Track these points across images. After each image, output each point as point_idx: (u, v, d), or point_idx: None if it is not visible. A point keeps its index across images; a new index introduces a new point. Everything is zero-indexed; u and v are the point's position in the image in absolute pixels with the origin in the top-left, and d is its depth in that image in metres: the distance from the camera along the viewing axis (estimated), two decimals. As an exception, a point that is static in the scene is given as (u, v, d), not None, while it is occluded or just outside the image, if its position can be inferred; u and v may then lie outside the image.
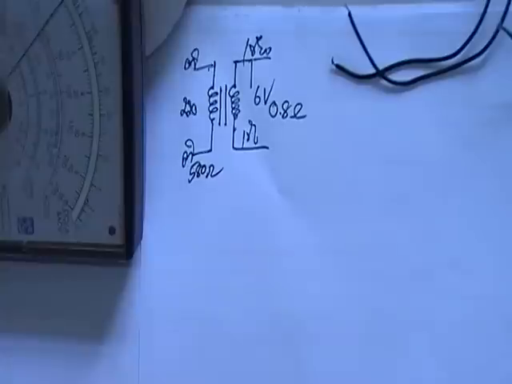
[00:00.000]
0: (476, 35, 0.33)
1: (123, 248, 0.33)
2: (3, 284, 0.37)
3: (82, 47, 0.31)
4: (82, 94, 0.32)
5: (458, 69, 0.34)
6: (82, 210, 0.33)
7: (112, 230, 0.33)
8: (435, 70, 0.34)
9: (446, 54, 0.34)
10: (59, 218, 0.33)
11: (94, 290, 0.37)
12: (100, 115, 0.32)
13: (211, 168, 0.36)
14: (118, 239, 0.33)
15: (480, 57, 0.34)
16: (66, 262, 0.36)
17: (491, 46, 0.34)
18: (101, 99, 0.32)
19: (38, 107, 0.32)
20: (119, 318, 0.37)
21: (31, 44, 0.32)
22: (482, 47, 0.34)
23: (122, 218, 0.33)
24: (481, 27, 0.33)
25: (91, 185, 0.33)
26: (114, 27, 0.31)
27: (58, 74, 0.32)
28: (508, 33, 0.33)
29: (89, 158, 0.32)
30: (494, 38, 0.33)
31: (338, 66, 0.35)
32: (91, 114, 0.32)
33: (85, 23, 0.31)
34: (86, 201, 0.33)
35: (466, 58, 0.34)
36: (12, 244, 0.34)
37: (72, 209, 0.33)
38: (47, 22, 0.31)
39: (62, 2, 0.31)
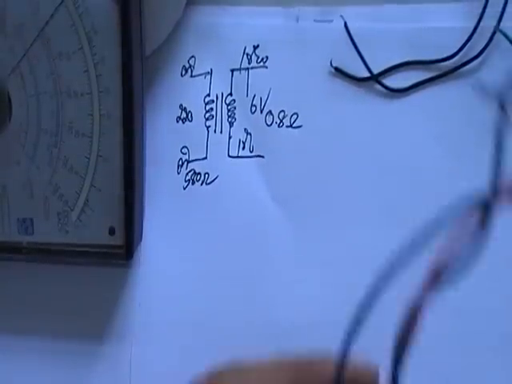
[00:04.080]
0: (473, 38, 0.34)
1: (123, 248, 0.33)
2: (3, 284, 0.37)
3: (81, 47, 0.31)
4: (81, 94, 0.32)
5: (456, 72, 0.34)
6: (82, 210, 0.33)
7: (112, 231, 0.33)
8: (432, 73, 0.34)
9: (443, 56, 0.34)
10: (59, 219, 0.33)
11: (94, 290, 0.36)
12: (100, 115, 0.32)
13: (206, 175, 0.36)
14: (118, 240, 0.33)
15: (477, 60, 0.34)
16: (66, 263, 0.36)
17: (488, 49, 0.34)
18: (101, 99, 0.32)
19: (38, 107, 0.32)
20: (119, 318, 0.36)
21: (31, 44, 0.31)
22: (479, 50, 0.34)
23: (122, 219, 0.32)
24: (478, 30, 0.33)
25: (91, 185, 0.32)
26: (114, 27, 0.31)
27: (57, 74, 0.32)
28: (505, 35, 0.33)
29: (89, 158, 0.32)
30: (490, 40, 0.33)
31: (337, 69, 0.35)
32: (91, 115, 0.32)
33: (85, 23, 0.31)
34: (86, 201, 0.33)
35: (464, 60, 0.34)
36: (12, 245, 0.34)
37: (72, 209, 0.33)
38: (47, 22, 0.31)
39: (62, 3, 0.31)
